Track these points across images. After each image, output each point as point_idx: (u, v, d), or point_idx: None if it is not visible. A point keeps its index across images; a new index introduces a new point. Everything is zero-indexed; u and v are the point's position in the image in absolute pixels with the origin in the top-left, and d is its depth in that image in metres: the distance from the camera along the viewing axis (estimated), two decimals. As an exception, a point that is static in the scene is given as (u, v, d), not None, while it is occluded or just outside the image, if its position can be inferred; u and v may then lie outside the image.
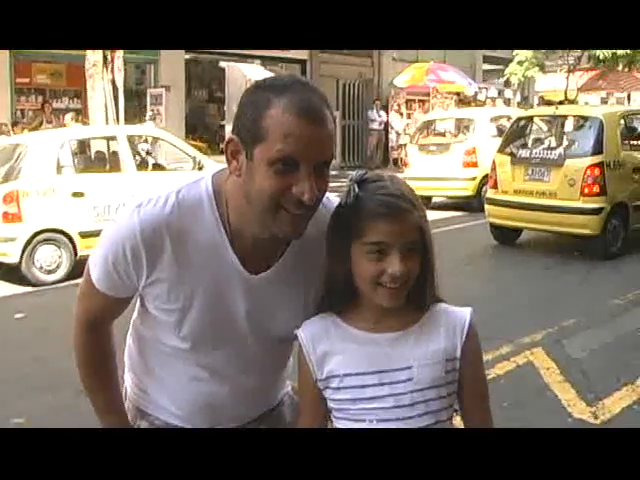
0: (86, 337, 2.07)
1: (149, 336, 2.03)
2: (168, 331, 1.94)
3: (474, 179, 15.01)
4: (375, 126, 23.50)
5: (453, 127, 17.30)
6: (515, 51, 22.99)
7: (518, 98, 28.59)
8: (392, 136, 24.38)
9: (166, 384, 2.05)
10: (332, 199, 1.95)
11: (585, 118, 11.62)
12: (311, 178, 1.68)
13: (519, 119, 12.32)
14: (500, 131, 15.15)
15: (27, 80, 17.32)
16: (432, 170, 15.34)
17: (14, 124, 16.00)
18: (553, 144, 11.65)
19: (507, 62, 24.15)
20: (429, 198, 16.07)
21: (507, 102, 26.35)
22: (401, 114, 25.06)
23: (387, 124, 24.20)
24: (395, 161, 23.18)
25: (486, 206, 11.48)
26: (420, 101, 25.53)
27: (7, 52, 16.31)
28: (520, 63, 23.09)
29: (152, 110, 17.89)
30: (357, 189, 1.80)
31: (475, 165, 15.13)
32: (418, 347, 1.85)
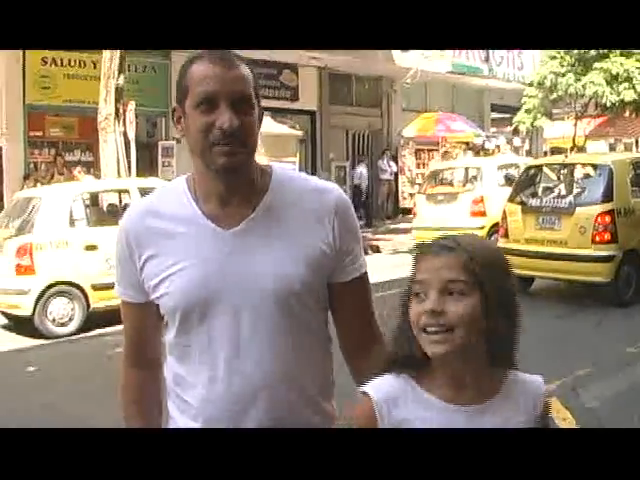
0: (129, 374, 2.18)
1: (168, 354, 2.10)
2: (166, 312, 2.03)
3: (482, 228, 14.96)
4: (385, 176, 23.57)
5: (461, 176, 17.35)
6: (523, 99, 23.14)
7: (527, 146, 28.70)
8: (400, 186, 24.57)
9: (183, 389, 2.06)
10: (312, 177, 2.14)
11: (594, 166, 11.68)
12: (229, 111, 1.88)
13: (529, 168, 12.38)
14: (508, 180, 15.20)
15: (40, 133, 17.47)
16: (440, 220, 15.37)
17: (26, 177, 16.10)
18: (563, 192, 11.68)
19: (515, 110, 24.31)
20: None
21: (516, 150, 26.44)
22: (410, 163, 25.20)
23: (397, 174, 24.29)
24: (405, 210, 23.24)
25: (497, 255, 11.47)
26: (429, 151, 25.65)
27: (21, 105, 16.50)
28: (528, 111, 23.22)
29: (164, 163, 17.99)
30: None
31: (483, 214, 15.15)
32: (498, 421, 1.75)
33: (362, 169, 23.10)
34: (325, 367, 2.11)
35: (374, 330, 2.16)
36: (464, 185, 16.66)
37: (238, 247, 1.96)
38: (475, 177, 16.39)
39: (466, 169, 17.37)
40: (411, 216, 17.78)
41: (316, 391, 2.06)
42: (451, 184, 17.09)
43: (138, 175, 14.63)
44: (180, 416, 2.06)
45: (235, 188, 1.98)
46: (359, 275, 2.09)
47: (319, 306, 2.06)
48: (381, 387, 1.79)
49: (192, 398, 2.02)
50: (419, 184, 22.71)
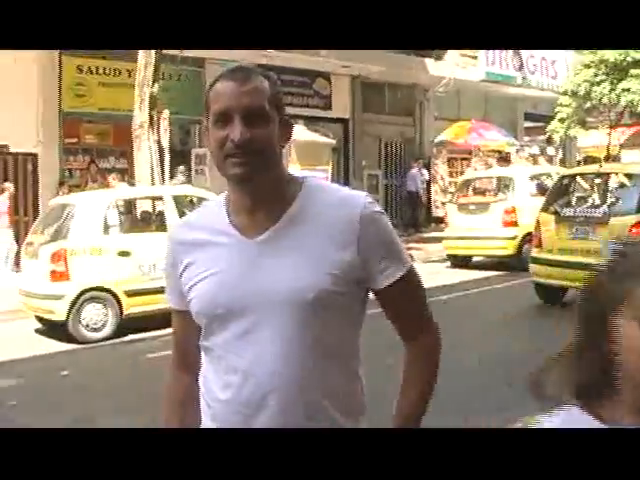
0: (174, 376, 2.29)
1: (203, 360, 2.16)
2: (194, 317, 2.10)
3: (514, 238, 14.94)
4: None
5: (492, 185, 17.30)
6: (556, 108, 23.02)
7: (560, 155, 28.54)
8: (433, 195, 24.53)
9: (207, 391, 2.12)
10: (343, 188, 2.14)
11: (629, 175, 11.58)
12: (241, 124, 1.96)
13: (562, 177, 12.30)
14: (541, 189, 15.13)
15: (75, 140, 17.64)
16: (471, 229, 15.40)
17: (61, 183, 16.26)
18: (597, 202, 11.59)
19: (548, 119, 24.19)
20: (469, 258, 16.15)
21: (549, 160, 26.29)
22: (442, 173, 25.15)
23: (429, 183, 24.25)
24: (437, 219, 23.20)
25: (530, 265, 11.41)
26: (462, 159, 25.59)
27: (57, 112, 16.70)
28: (562, 120, 23.10)
29: (197, 171, 18.09)
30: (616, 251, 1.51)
31: (515, 224, 15.08)
32: None
33: (415, 172, 23.21)
34: (340, 381, 2.07)
35: (419, 325, 2.18)
36: (496, 195, 16.60)
37: (259, 256, 2.01)
38: (507, 187, 16.32)
39: (498, 179, 17.32)
40: (443, 225, 17.76)
41: (328, 403, 2.04)
42: (483, 194, 17.04)
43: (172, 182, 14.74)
44: (205, 417, 2.13)
45: (258, 198, 2.04)
46: (394, 281, 2.08)
47: (340, 318, 2.05)
48: (548, 420, 1.54)
49: (211, 400, 2.09)
50: (452, 193, 22.68)
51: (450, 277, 14.43)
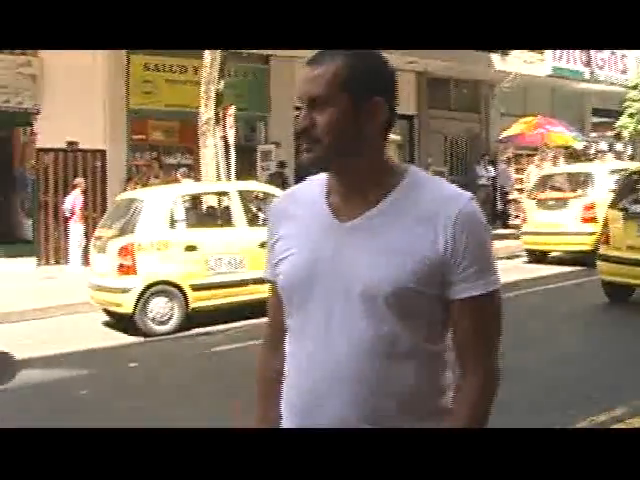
0: (264, 355, 2.25)
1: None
2: (281, 291, 2.10)
3: (593, 234, 14.74)
4: (483, 182, 23.28)
5: (571, 182, 17.09)
6: (626, 102, 22.60)
7: (629, 152, 27.98)
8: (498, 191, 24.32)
9: (287, 372, 2.11)
10: (448, 185, 2.02)
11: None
12: (305, 111, 1.96)
13: (632, 173, 12.08)
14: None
15: (143, 137, 17.89)
16: (551, 225, 15.38)
17: (129, 180, 16.51)
18: (668, 199, 11.35)
19: (618, 114, 23.73)
20: (545, 253, 16.08)
21: (618, 156, 25.80)
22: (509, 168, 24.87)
23: (495, 179, 23.99)
24: (505, 216, 22.96)
25: (598, 262, 11.22)
26: (528, 155, 25.24)
27: (124, 109, 16.96)
28: (631, 116, 22.68)
29: (262, 167, 18.19)
30: None
31: (594, 220, 14.89)
32: None
33: (506, 168, 23.15)
34: (411, 383, 1.96)
35: (474, 361, 1.98)
36: (574, 191, 16.43)
37: (344, 242, 1.96)
38: (585, 182, 16.15)
39: (577, 175, 17.13)
40: (519, 222, 17.67)
41: (394, 405, 1.95)
42: (561, 190, 16.89)
43: (237, 178, 14.84)
44: (284, 398, 2.12)
45: (348, 184, 2.00)
46: (468, 297, 1.93)
47: (418, 318, 1.95)
48: None
49: (289, 380, 2.08)
50: (517, 190, 22.47)
51: (517, 274, 14.25)
